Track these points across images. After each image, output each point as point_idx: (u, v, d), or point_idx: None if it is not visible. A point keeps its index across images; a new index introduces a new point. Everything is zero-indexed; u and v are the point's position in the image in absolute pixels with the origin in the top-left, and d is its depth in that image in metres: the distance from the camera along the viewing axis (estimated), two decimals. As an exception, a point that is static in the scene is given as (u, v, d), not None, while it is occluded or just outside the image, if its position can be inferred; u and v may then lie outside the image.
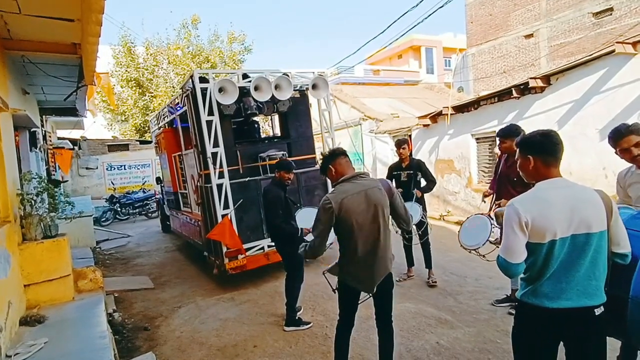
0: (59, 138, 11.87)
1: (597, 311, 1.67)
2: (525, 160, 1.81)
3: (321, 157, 2.74)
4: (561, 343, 1.78)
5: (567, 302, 1.66)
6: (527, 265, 1.75)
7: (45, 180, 4.16)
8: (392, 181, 4.90)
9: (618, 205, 1.94)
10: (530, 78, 6.59)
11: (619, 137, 2.33)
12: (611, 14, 11.39)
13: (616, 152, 2.47)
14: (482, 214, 3.67)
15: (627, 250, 1.73)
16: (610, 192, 2.54)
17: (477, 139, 8.13)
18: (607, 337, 1.79)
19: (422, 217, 4.42)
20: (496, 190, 3.98)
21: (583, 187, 1.74)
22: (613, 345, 2.14)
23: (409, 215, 2.64)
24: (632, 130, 2.30)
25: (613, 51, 5.44)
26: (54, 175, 8.71)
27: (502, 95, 7.28)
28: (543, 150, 1.76)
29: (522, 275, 1.81)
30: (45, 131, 8.11)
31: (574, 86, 6.11)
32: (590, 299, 1.66)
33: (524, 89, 6.80)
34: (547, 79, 6.48)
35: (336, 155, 2.54)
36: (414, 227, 4.55)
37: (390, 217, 2.54)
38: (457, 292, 4.53)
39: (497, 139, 3.97)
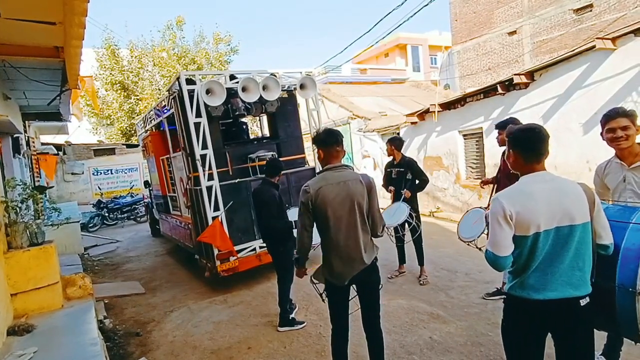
0: (42, 143, 11.64)
1: (583, 302, 1.70)
2: (509, 153, 1.87)
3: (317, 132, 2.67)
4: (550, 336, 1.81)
5: (552, 293, 1.69)
6: (514, 258, 1.78)
7: (30, 187, 4.08)
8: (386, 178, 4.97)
9: None
10: (515, 74, 6.70)
11: (613, 115, 2.31)
12: (591, 10, 11.64)
13: (602, 134, 2.42)
14: (481, 207, 3.73)
15: (609, 241, 1.77)
16: (593, 185, 2.60)
17: (464, 135, 8.23)
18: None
19: (407, 217, 4.45)
20: (496, 184, 4.06)
21: (566, 180, 1.78)
22: (601, 334, 2.20)
23: (381, 220, 2.54)
24: (628, 114, 2.28)
25: (594, 47, 5.57)
26: (38, 181, 8.54)
27: (488, 91, 7.39)
28: (521, 146, 1.80)
29: (509, 269, 1.84)
30: (28, 137, 7.95)
31: (557, 81, 6.24)
32: (575, 289, 1.69)
33: (508, 85, 6.91)
34: (531, 75, 6.60)
35: (332, 143, 2.49)
36: (399, 226, 4.59)
37: (367, 213, 2.47)
38: (448, 287, 4.58)
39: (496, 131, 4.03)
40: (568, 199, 1.70)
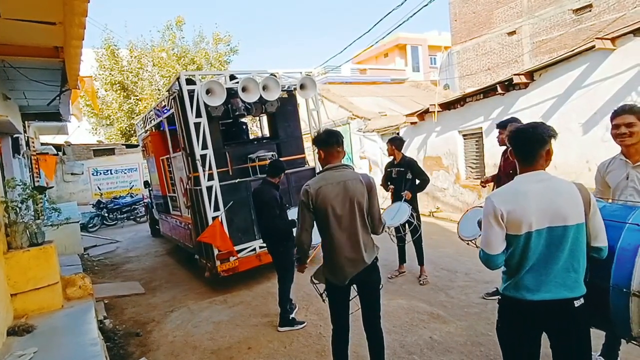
0: (42, 144, 11.63)
1: (577, 303, 1.70)
2: (510, 152, 1.90)
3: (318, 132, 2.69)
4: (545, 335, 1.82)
5: (547, 294, 1.69)
6: (507, 258, 1.78)
7: (30, 187, 4.08)
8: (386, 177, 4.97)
9: None
10: (514, 74, 6.70)
11: (620, 112, 2.31)
12: (590, 11, 11.64)
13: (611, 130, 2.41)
14: (481, 206, 3.74)
15: (603, 244, 1.75)
16: (593, 185, 2.59)
17: (464, 135, 8.23)
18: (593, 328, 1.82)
19: (409, 217, 4.45)
20: (496, 183, 4.07)
21: (561, 180, 1.77)
22: (600, 334, 2.20)
23: (382, 219, 2.55)
24: (635, 111, 2.27)
25: (593, 47, 5.58)
26: (38, 181, 8.53)
27: (488, 92, 7.39)
28: (515, 147, 1.83)
29: (503, 269, 1.85)
30: (27, 137, 7.94)
31: (557, 82, 6.24)
32: (569, 291, 1.69)
33: (508, 85, 6.92)
34: (530, 75, 6.61)
35: (332, 143, 2.50)
36: (401, 226, 4.58)
37: (367, 212, 2.48)
38: (448, 287, 4.59)
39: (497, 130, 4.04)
40: (562, 199, 1.69)
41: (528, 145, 1.76)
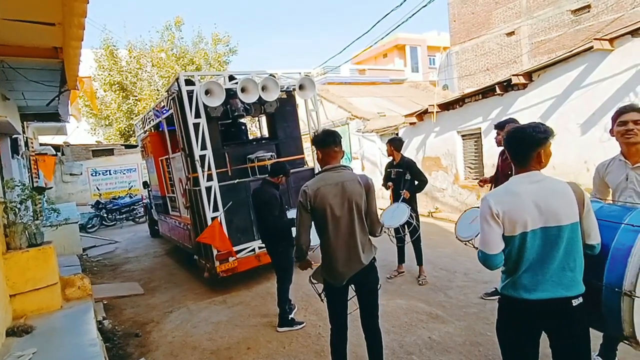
0: (41, 144, 11.62)
1: (575, 302, 1.71)
2: (506, 153, 1.91)
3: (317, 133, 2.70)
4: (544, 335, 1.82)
5: (544, 293, 1.70)
6: (504, 258, 1.79)
7: (29, 188, 4.08)
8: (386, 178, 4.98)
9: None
10: (513, 75, 6.72)
11: (628, 109, 2.32)
12: (589, 11, 11.67)
13: (611, 130, 2.41)
14: (479, 207, 3.74)
15: (596, 241, 1.77)
16: (591, 186, 2.60)
17: (462, 135, 8.24)
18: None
19: (409, 218, 4.46)
20: (494, 184, 4.08)
21: (555, 180, 1.78)
22: (598, 334, 2.20)
23: (379, 221, 2.55)
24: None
25: (591, 47, 5.59)
26: (37, 182, 8.52)
27: (486, 92, 7.41)
28: (509, 147, 1.84)
29: (501, 269, 1.86)
30: (26, 137, 7.93)
31: (555, 82, 6.26)
32: (566, 290, 1.70)
33: (507, 86, 6.93)
34: (529, 75, 6.62)
35: (329, 143, 2.51)
36: (400, 227, 4.58)
37: (365, 213, 2.48)
38: (447, 287, 4.59)
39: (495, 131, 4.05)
40: (556, 199, 1.70)
41: (521, 147, 1.78)
